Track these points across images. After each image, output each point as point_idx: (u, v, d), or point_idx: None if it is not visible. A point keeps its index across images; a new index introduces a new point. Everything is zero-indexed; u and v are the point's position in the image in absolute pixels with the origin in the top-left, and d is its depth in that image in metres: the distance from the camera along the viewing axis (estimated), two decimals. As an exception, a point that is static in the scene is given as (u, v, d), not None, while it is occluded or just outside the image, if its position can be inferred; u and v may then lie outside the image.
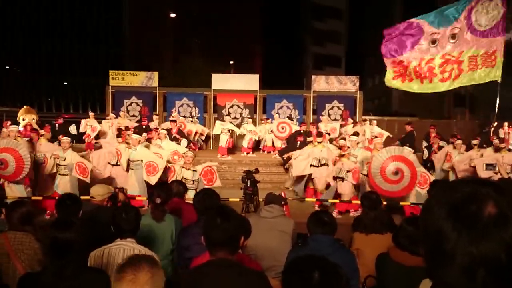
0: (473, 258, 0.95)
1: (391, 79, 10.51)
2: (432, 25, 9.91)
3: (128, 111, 18.04)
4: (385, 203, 5.84)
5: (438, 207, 1.03)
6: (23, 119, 15.46)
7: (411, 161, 9.09)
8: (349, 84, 18.66)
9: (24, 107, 16.72)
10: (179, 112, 17.85)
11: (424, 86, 10.25)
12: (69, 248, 2.65)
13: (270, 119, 17.08)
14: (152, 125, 15.19)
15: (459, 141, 11.74)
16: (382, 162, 9.02)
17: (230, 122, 16.16)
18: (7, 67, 43.32)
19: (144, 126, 14.49)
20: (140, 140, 10.70)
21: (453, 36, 9.84)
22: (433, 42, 10.04)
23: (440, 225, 1.00)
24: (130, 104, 18.41)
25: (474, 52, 9.63)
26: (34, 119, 15.64)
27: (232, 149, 15.87)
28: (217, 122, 15.99)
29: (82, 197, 4.67)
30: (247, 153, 15.44)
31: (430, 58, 10.03)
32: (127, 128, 12.94)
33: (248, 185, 9.24)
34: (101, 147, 12.83)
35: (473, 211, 0.97)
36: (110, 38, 43.72)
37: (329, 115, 18.23)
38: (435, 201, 1.05)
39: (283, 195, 9.26)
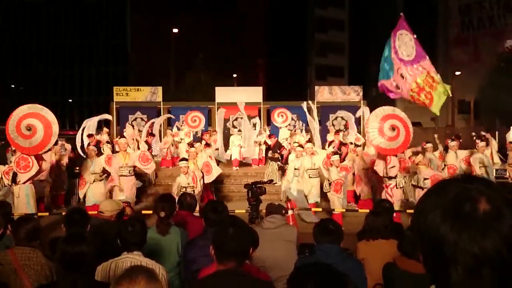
0: (476, 258, 0.94)
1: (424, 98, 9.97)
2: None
3: (133, 126, 18.09)
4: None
5: (431, 212, 1.00)
6: None
7: (402, 118, 9.27)
8: (353, 94, 18.69)
9: None
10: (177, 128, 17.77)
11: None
12: (81, 262, 2.66)
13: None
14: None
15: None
16: (378, 124, 9.21)
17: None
18: (12, 86, 43.82)
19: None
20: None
21: (402, 76, 9.73)
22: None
23: (437, 230, 0.98)
24: (135, 119, 18.50)
25: (419, 80, 9.57)
26: None
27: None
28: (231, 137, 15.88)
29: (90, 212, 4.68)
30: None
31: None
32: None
33: (249, 196, 9.25)
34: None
35: (468, 210, 0.96)
36: (114, 55, 44.09)
37: (333, 125, 18.20)
38: (428, 205, 1.02)
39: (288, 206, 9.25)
